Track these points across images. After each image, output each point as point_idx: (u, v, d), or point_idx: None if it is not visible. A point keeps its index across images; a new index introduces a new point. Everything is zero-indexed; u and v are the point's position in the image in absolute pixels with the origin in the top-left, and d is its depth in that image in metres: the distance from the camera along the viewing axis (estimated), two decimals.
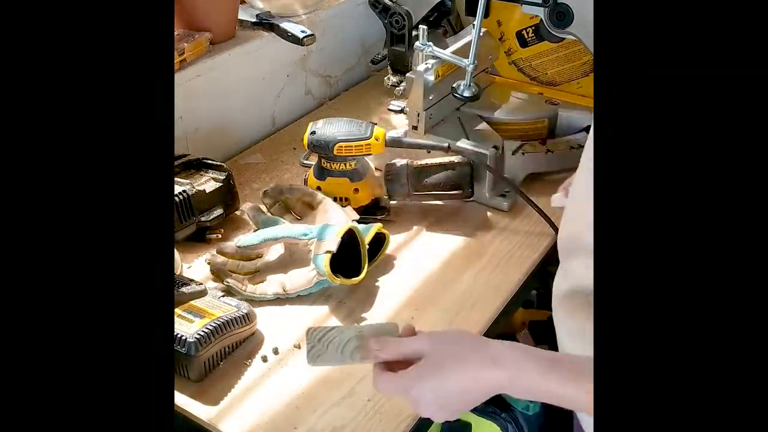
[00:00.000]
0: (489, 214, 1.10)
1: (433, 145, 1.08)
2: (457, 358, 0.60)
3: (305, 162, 1.21)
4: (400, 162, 1.08)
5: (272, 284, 0.94)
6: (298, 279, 0.93)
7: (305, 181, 1.11)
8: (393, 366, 0.63)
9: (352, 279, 0.91)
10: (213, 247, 1.02)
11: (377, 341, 0.64)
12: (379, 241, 0.98)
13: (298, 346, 0.86)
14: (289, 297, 0.93)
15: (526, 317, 1.51)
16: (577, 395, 0.56)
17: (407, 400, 0.62)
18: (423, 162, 1.08)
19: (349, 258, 0.93)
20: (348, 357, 0.65)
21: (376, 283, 0.97)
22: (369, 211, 1.08)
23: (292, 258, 0.96)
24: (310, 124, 1.08)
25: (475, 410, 1.13)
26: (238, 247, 0.96)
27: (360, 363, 0.64)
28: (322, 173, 1.08)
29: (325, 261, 0.89)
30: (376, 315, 0.91)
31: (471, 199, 1.10)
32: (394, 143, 1.08)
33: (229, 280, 0.94)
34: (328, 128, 1.06)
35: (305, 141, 1.06)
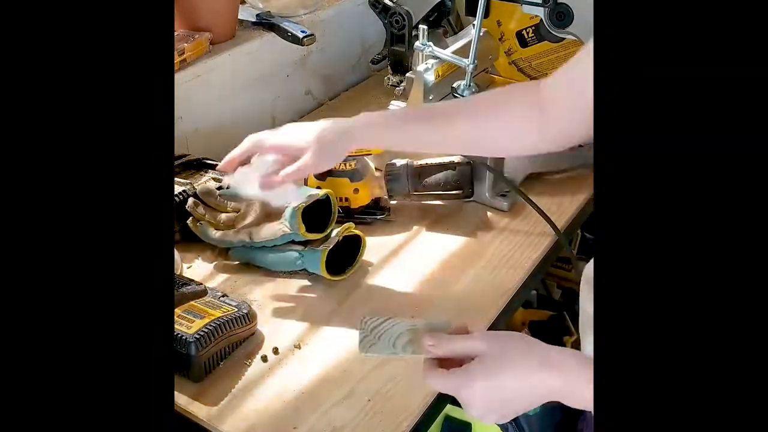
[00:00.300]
0: (489, 214, 1.10)
1: None
2: (511, 362, 0.60)
3: None
4: (400, 162, 1.09)
5: (240, 233, 0.98)
6: (266, 231, 0.96)
7: (305, 182, 1.11)
8: (444, 363, 0.63)
9: (318, 234, 0.95)
10: (213, 247, 1.02)
11: (432, 337, 0.64)
12: (355, 244, 0.99)
13: (298, 346, 0.86)
14: (254, 246, 0.97)
15: (526, 317, 1.51)
16: None
17: (459, 399, 0.62)
18: (423, 162, 1.08)
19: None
20: (400, 350, 0.65)
21: (376, 283, 0.97)
22: (369, 211, 1.08)
23: (268, 219, 0.98)
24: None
25: None
26: (220, 195, 1.01)
27: (411, 356, 0.65)
28: (322, 173, 1.08)
29: (296, 212, 0.93)
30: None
31: (471, 199, 1.11)
32: None
33: (202, 222, 1.00)
34: None
35: None
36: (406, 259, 1.01)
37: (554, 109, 0.78)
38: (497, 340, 0.62)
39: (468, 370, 0.60)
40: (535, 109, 0.80)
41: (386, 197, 1.09)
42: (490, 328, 0.91)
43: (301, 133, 0.86)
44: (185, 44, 1.16)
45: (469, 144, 0.89)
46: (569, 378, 0.58)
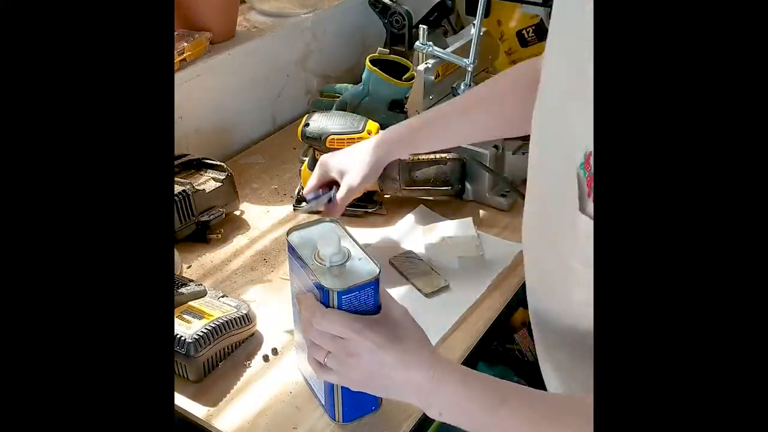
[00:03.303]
0: (489, 213, 1.10)
1: None
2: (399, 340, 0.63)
3: (303, 158, 1.22)
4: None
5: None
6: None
7: (300, 173, 1.12)
8: None
9: None
10: (213, 248, 1.02)
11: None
12: None
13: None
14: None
15: (525, 317, 1.51)
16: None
17: (339, 347, 0.64)
18: (415, 157, 1.08)
19: None
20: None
21: None
22: (361, 204, 1.09)
23: None
24: (306, 116, 1.09)
25: None
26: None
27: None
28: (315, 165, 1.09)
29: None
30: None
31: (470, 198, 1.11)
32: None
33: None
34: (322, 121, 1.07)
35: (299, 133, 1.07)
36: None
37: None
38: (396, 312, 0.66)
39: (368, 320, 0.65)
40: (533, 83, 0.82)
41: (381, 191, 1.10)
42: (489, 328, 0.91)
43: (349, 158, 0.96)
44: (185, 44, 1.16)
45: (489, 131, 0.97)
46: (438, 372, 0.61)
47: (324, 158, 0.98)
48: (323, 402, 0.77)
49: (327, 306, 0.66)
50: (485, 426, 0.59)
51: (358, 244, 0.71)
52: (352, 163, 0.95)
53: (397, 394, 0.64)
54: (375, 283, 0.67)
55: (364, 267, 0.68)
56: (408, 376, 0.62)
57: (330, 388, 0.73)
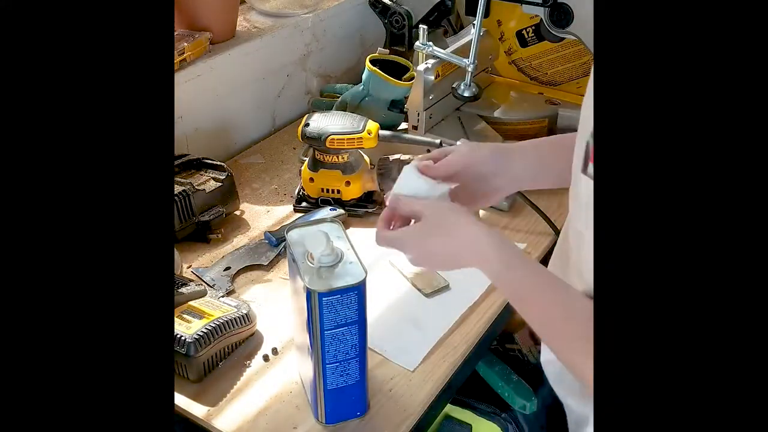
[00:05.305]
0: (489, 213, 1.10)
1: (425, 141, 1.09)
2: (440, 228, 0.68)
3: (303, 158, 1.22)
4: (393, 157, 1.10)
5: None
6: None
7: (300, 173, 1.12)
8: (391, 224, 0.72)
9: None
10: (213, 248, 1.02)
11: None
12: None
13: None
14: None
15: None
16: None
17: (398, 250, 0.70)
18: (416, 158, 1.08)
19: None
20: None
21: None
22: (361, 204, 1.09)
23: None
24: (306, 116, 1.09)
25: (475, 410, 1.13)
26: None
27: None
28: (315, 165, 1.09)
29: None
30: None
31: None
32: (387, 138, 1.08)
33: None
34: (322, 121, 1.07)
35: (299, 133, 1.07)
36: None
37: None
38: (438, 209, 0.69)
39: (405, 230, 0.70)
40: None
41: (380, 191, 1.10)
42: (489, 328, 0.91)
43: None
44: (185, 44, 1.16)
45: None
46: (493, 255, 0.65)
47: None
48: (309, 401, 0.77)
49: (309, 306, 0.67)
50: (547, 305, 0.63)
51: (353, 248, 0.71)
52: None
53: (466, 263, 0.67)
54: (358, 289, 0.66)
55: (352, 271, 0.68)
56: (479, 251, 0.65)
57: (313, 387, 0.73)
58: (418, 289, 0.94)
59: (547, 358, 0.79)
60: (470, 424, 1.22)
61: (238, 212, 1.11)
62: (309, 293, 0.66)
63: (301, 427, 0.76)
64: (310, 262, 0.69)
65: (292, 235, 0.72)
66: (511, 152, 0.78)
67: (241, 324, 0.85)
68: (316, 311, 0.67)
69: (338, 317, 0.67)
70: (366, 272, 0.68)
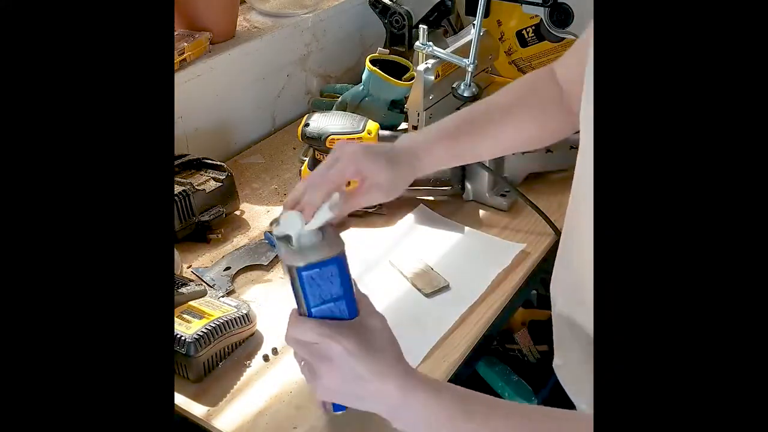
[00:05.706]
0: (489, 213, 1.10)
1: None
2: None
3: (303, 158, 1.22)
4: None
5: None
6: None
7: (300, 173, 1.12)
8: None
9: None
10: (213, 248, 1.01)
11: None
12: None
13: None
14: None
15: (526, 317, 1.51)
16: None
17: (314, 354, 0.62)
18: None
19: None
20: None
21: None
22: None
23: None
24: (306, 116, 1.09)
25: None
26: None
27: None
28: (315, 165, 1.09)
29: None
30: None
31: (470, 198, 1.11)
32: (387, 138, 1.08)
33: None
34: (322, 121, 1.07)
35: (299, 133, 1.07)
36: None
37: (571, 86, 0.81)
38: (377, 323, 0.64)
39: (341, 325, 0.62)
40: (558, 90, 0.84)
41: None
42: (490, 327, 0.91)
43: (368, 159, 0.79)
44: (185, 44, 1.16)
45: (515, 144, 0.89)
46: (410, 388, 0.60)
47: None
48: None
49: (294, 288, 0.65)
50: None
51: (332, 225, 0.69)
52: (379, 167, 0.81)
53: (369, 405, 0.62)
54: (338, 260, 0.65)
55: (331, 244, 0.67)
56: (379, 387, 0.60)
57: None
58: (418, 289, 0.94)
59: (557, 363, 0.79)
60: None
61: (238, 212, 1.11)
62: (290, 272, 0.65)
63: (301, 427, 0.76)
64: (291, 246, 0.68)
65: (275, 229, 0.72)
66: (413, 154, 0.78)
67: (241, 324, 0.85)
68: (299, 291, 0.66)
69: (322, 292, 0.66)
70: (344, 243, 0.67)
